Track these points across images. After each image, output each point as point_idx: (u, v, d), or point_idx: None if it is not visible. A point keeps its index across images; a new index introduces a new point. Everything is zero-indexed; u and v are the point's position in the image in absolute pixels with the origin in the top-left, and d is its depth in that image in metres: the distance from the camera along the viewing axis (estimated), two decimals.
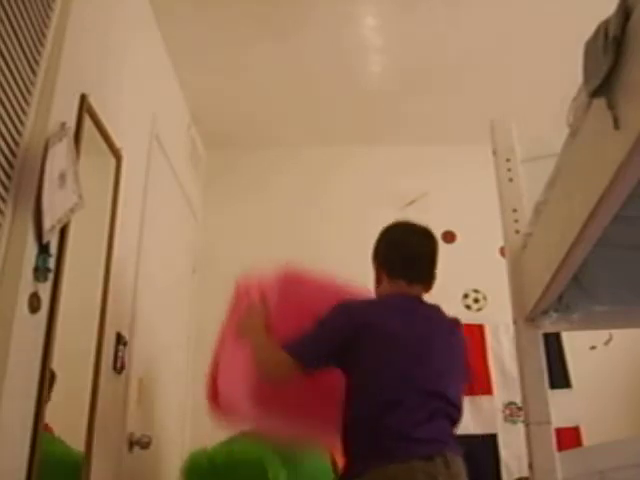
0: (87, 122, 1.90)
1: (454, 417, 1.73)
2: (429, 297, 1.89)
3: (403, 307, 1.81)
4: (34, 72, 1.64)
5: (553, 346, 3.15)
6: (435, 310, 1.88)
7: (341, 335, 1.73)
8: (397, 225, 1.95)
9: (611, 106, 1.02)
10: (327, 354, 1.75)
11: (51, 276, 1.63)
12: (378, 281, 1.92)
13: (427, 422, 1.63)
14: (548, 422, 1.79)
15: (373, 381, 1.68)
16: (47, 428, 1.62)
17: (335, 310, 1.77)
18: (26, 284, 1.52)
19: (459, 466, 1.65)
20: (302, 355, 1.71)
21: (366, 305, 1.85)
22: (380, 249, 1.93)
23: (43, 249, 1.58)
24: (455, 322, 1.92)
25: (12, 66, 1.51)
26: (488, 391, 3.34)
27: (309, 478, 2.42)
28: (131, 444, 2.33)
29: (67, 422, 1.77)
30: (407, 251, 1.88)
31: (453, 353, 1.84)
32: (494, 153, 2.11)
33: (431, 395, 1.67)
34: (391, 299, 1.86)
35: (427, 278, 1.87)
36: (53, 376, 1.68)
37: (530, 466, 1.79)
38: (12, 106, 1.51)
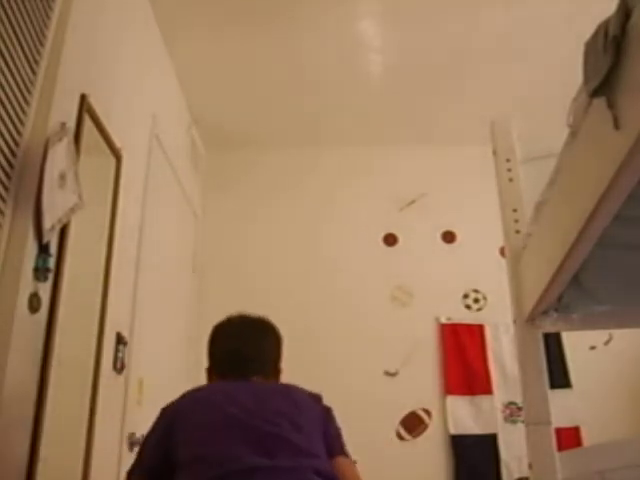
0: (87, 122, 1.90)
1: None
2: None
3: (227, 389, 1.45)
4: (34, 72, 1.64)
5: (553, 346, 3.15)
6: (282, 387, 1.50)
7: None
8: (223, 321, 1.59)
9: (611, 106, 1.01)
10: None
11: (51, 276, 1.63)
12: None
13: None
14: (548, 422, 1.79)
15: None
16: None
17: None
18: (26, 284, 1.52)
19: None
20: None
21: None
22: (208, 349, 1.57)
23: (43, 249, 1.58)
24: (316, 398, 1.48)
25: (12, 66, 1.51)
26: (488, 391, 3.34)
27: None
28: (131, 444, 2.32)
29: (67, 422, 1.77)
30: (230, 347, 1.54)
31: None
32: (494, 153, 2.10)
33: None
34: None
35: (264, 369, 1.51)
36: None
37: (530, 466, 1.79)
38: (12, 106, 1.51)
